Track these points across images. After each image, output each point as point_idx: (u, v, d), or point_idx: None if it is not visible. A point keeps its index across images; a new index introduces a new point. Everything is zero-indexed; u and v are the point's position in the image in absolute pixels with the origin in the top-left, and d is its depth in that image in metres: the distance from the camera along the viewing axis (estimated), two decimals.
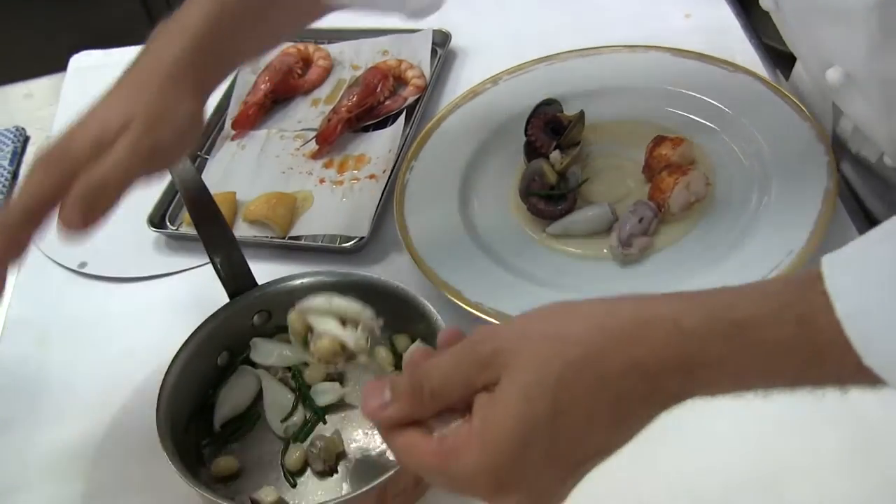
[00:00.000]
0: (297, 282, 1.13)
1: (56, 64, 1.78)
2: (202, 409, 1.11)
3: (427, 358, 0.76)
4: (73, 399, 1.19)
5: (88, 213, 0.96)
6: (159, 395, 1.04)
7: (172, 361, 1.07)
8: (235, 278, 1.13)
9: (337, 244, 1.28)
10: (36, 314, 1.31)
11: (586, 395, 0.71)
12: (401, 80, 1.51)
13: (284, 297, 1.11)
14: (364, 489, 0.93)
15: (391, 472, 0.93)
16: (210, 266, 1.16)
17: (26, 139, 1.62)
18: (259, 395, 1.12)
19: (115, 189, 0.97)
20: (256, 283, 1.14)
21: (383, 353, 1.11)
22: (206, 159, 1.45)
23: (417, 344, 0.97)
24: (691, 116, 1.32)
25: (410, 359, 0.78)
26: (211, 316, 1.11)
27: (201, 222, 1.13)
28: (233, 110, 1.51)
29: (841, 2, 0.96)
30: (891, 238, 0.70)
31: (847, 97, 1.11)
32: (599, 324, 0.73)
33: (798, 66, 1.38)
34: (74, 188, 0.94)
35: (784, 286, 0.72)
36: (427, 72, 1.51)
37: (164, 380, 1.05)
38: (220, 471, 1.06)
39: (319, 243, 1.28)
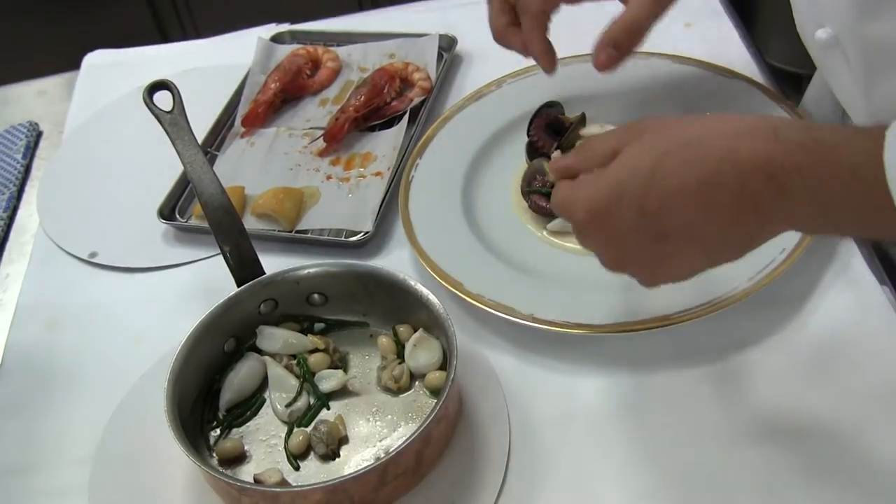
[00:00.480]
0: (304, 272, 1.16)
1: (67, 63, 1.81)
2: (208, 393, 1.14)
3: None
4: (81, 384, 1.22)
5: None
6: (167, 377, 1.06)
7: (181, 345, 1.09)
8: (244, 267, 1.16)
9: (343, 238, 1.30)
10: (47, 302, 1.33)
11: (683, 165, 0.83)
12: (407, 82, 1.54)
13: (291, 287, 1.15)
14: (364, 469, 0.95)
15: (392, 454, 0.96)
16: (217, 258, 1.19)
17: (39, 134, 1.65)
18: (264, 381, 1.14)
19: None
20: (264, 272, 1.16)
21: (385, 341, 1.14)
22: (216, 155, 1.48)
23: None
24: None
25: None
26: (219, 303, 1.14)
27: (212, 212, 1.16)
28: (243, 109, 1.54)
29: None
30: None
31: (832, 61, 1.14)
32: (717, 121, 0.85)
33: (809, 91, 1.41)
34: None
35: (864, 129, 0.78)
36: (433, 74, 1.54)
37: (173, 363, 1.08)
38: (225, 453, 1.08)
39: (325, 237, 1.30)
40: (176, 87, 1.24)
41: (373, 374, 1.13)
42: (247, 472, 1.07)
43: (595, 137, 0.92)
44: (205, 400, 1.14)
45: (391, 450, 0.97)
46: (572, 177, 0.92)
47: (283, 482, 1.04)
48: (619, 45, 1.19)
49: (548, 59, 1.27)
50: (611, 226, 0.88)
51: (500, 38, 1.28)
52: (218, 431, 1.11)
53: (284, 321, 1.18)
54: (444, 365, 1.10)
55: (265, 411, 1.12)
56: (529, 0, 1.23)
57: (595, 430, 1.06)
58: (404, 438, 0.97)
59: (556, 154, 1.27)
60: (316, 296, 1.17)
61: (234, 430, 1.11)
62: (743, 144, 0.81)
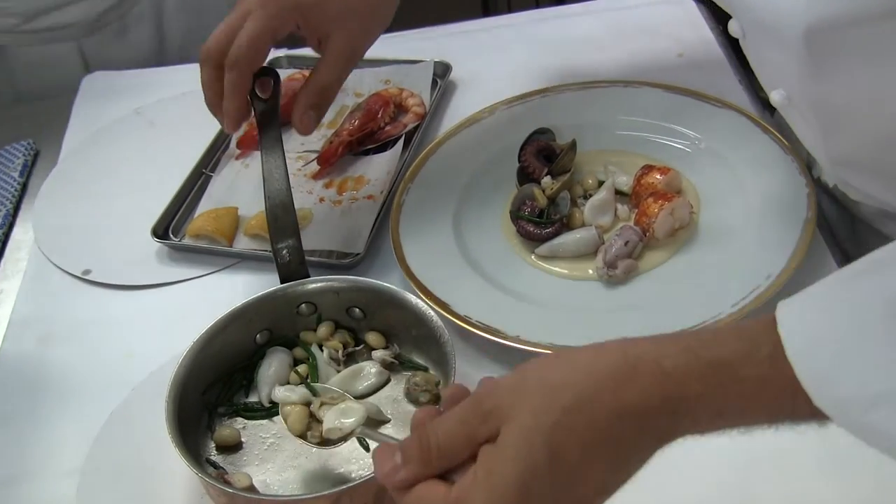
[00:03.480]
0: (342, 284, 1.18)
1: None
2: (230, 376, 1.16)
3: (433, 417, 0.80)
4: (72, 397, 1.23)
5: None
6: (188, 350, 1.10)
7: (213, 324, 1.13)
8: (290, 266, 1.19)
9: (334, 259, 1.32)
10: (39, 317, 1.35)
11: (581, 438, 0.75)
12: (401, 108, 1.55)
13: (332, 297, 1.18)
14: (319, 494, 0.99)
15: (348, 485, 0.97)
16: (208, 277, 1.22)
17: (37, 153, 1.67)
18: None
19: None
20: (308, 275, 1.19)
21: (372, 338, 1.18)
22: (211, 176, 1.49)
23: (424, 407, 0.95)
24: (680, 148, 1.36)
25: (417, 419, 0.82)
26: (258, 294, 1.16)
27: (272, 206, 1.21)
28: (238, 130, 1.55)
29: (778, 27, 1.00)
30: (844, 283, 0.74)
31: (791, 118, 1.16)
32: (589, 370, 0.77)
33: None
34: None
35: (756, 326, 0.75)
36: (427, 100, 1.56)
37: (199, 336, 1.12)
38: (222, 440, 1.10)
39: (317, 258, 1.31)
40: (278, 77, 1.28)
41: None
42: (238, 463, 1.09)
43: (433, 431, 0.79)
44: (223, 384, 1.16)
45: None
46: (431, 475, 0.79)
47: (251, 489, 1.05)
48: (316, 107, 1.25)
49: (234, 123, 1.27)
50: None
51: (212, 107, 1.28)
52: (223, 416, 1.14)
53: (323, 321, 1.20)
54: None
55: (278, 419, 1.11)
56: (237, 53, 1.20)
57: None
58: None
59: (546, 179, 1.29)
60: (356, 310, 1.19)
61: (240, 421, 1.13)
62: (629, 394, 0.75)
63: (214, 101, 1.24)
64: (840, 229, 1.29)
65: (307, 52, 1.74)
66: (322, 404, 1.05)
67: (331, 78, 1.24)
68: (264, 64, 1.25)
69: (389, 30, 1.34)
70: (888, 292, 0.69)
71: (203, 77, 1.23)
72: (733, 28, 1.14)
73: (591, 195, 1.29)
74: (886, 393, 0.67)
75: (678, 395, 0.74)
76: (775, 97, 1.11)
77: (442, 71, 1.63)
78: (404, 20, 1.44)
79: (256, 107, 1.26)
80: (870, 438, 0.69)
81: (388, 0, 1.25)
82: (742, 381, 0.73)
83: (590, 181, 1.32)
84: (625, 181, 1.32)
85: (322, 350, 1.17)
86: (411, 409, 1.11)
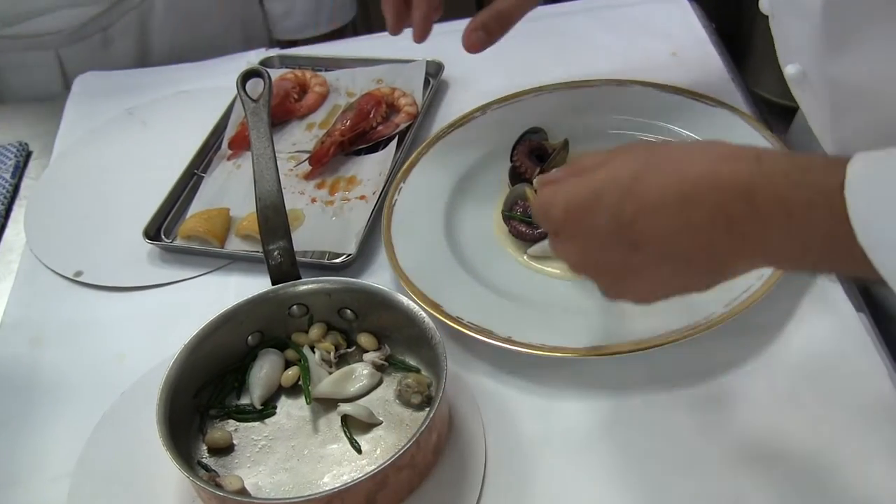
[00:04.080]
0: (337, 285, 1.18)
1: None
2: (222, 378, 1.16)
3: None
4: (63, 400, 1.22)
5: None
6: (180, 352, 1.10)
7: (205, 326, 1.13)
8: (281, 268, 1.19)
9: (326, 260, 1.31)
10: (31, 319, 1.34)
11: (663, 177, 0.83)
12: (393, 108, 1.55)
13: (323, 298, 1.18)
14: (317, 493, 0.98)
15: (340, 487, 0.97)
16: (200, 279, 1.22)
17: (28, 154, 1.66)
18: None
19: None
20: (300, 277, 1.19)
21: (364, 339, 1.18)
22: (203, 177, 1.49)
23: None
24: None
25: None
26: (250, 296, 1.16)
27: (262, 208, 1.21)
28: (230, 131, 1.55)
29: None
30: None
31: (803, 96, 1.16)
32: (703, 144, 0.90)
33: (795, 122, 1.42)
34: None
35: (837, 158, 0.78)
36: (419, 100, 1.56)
37: (191, 338, 1.12)
38: (214, 442, 1.10)
39: (308, 259, 1.31)
40: (269, 76, 1.27)
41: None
42: (230, 465, 1.09)
43: (587, 154, 0.93)
44: (214, 386, 1.15)
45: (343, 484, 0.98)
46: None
47: (243, 491, 1.05)
48: (489, 29, 1.24)
49: (422, 28, 1.32)
50: (585, 226, 0.88)
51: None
52: (215, 418, 1.13)
53: (315, 324, 1.20)
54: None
55: (270, 421, 1.13)
56: None
57: (572, 453, 1.07)
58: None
59: (534, 183, 1.28)
60: (348, 311, 1.18)
61: (232, 423, 1.13)
62: (724, 166, 0.81)
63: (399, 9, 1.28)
64: None
65: (299, 51, 1.76)
66: None
67: (512, 6, 1.23)
68: (256, 65, 1.25)
69: (380, 29, 1.34)
70: None
71: None
72: (763, 6, 1.15)
73: None
74: None
75: (761, 184, 0.79)
76: (790, 70, 1.12)
77: (434, 70, 1.63)
78: None
79: (247, 107, 1.25)
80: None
81: None
82: (816, 188, 0.77)
83: None
84: None
85: (314, 351, 1.17)
86: (403, 410, 1.11)
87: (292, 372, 1.15)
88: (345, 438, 1.09)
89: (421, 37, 1.30)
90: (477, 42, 1.23)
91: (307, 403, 1.12)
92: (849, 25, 0.98)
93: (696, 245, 0.83)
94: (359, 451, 1.07)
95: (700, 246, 0.83)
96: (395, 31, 1.30)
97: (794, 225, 0.78)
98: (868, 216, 0.74)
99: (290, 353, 1.17)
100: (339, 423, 1.11)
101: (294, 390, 1.15)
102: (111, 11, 1.89)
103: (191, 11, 1.97)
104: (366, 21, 2.36)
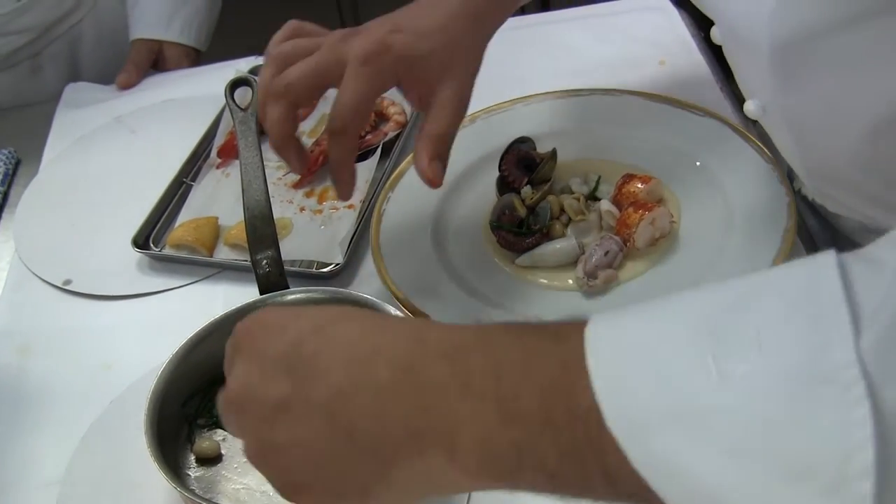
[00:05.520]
0: (324, 295, 1.17)
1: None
2: (210, 387, 1.15)
3: None
4: (51, 408, 1.22)
5: None
6: (168, 361, 1.10)
7: (193, 335, 1.13)
8: (269, 277, 1.19)
9: (314, 269, 1.32)
10: (19, 327, 1.34)
11: (359, 330, 0.73)
12: (382, 116, 1.55)
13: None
14: None
15: None
16: (189, 287, 1.21)
17: (18, 162, 1.66)
18: None
19: None
20: (288, 286, 1.18)
21: None
22: (192, 185, 1.49)
23: None
24: (661, 157, 1.36)
25: None
26: (238, 306, 1.16)
27: (251, 217, 1.20)
28: (219, 139, 1.55)
29: (750, 39, 1.00)
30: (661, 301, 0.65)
31: (768, 128, 1.16)
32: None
33: None
34: None
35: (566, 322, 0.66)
36: (408, 108, 1.56)
37: (179, 348, 1.11)
38: (202, 452, 1.10)
39: (297, 268, 1.31)
40: (257, 85, 1.25)
41: None
42: (218, 475, 1.09)
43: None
44: (203, 395, 1.15)
45: None
46: None
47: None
48: (441, 156, 1.12)
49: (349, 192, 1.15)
50: (259, 348, 0.76)
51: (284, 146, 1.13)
52: (203, 427, 1.13)
53: None
54: None
55: None
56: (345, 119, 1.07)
57: None
58: None
59: (526, 189, 1.29)
60: None
61: (220, 433, 1.13)
62: (438, 326, 0.72)
63: (286, 142, 1.11)
64: (822, 243, 1.29)
65: None
66: None
67: (449, 127, 1.12)
68: (245, 73, 1.25)
69: None
70: (700, 309, 0.61)
71: (275, 114, 1.09)
72: (715, 35, 1.15)
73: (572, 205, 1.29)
74: (682, 408, 0.58)
75: (468, 343, 0.68)
76: (750, 107, 1.12)
77: None
78: None
79: (235, 116, 1.26)
80: (649, 469, 0.58)
81: (481, 41, 1.18)
82: (538, 334, 0.66)
83: (568, 203, 1.30)
84: (606, 190, 1.31)
85: None
86: None
87: None
88: None
89: (348, 194, 1.15)
90: (439, 174, 1.11)
91: None
92: (798, 65, 0.98)
93: (366, 408, 0.68)
94: None
95: (371, 411, 0.68)
96: (299, 171, 1.21)
97: (501, 386, 0.65)
98: (614, 371, 0.61)
99: None
100: None
101: None
102: (40, 39, 1.91)
103: (119, 37, 1.98)
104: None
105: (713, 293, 0.62)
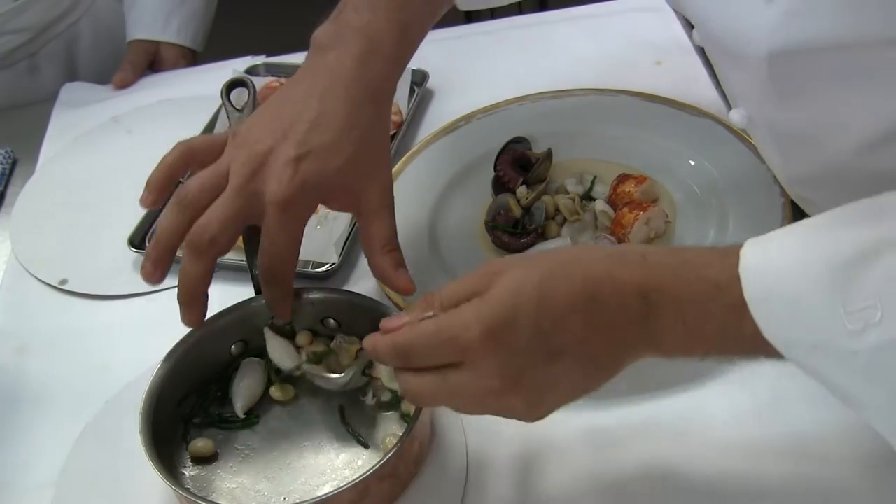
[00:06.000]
0: (320, 295, 1.17)
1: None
2: (205, 387, 1.16)
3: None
4: (47, 408, 1.22)
5: None
6: (163, 361, 1.10)
7: (188, 334, 1.13)
8: None
9: (310, 269, 1.32)
10: (16, 327, 1.34)
11: (568, 282, 0.84)
12: None
13: (307, 306, 1.17)
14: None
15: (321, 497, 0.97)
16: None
17: (14, 161, 1.67)
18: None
19: None
20: None
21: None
22: None
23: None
24: (656, 157, 1.36)
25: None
26: (232, 305, 1.16)
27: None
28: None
29: (739, 50, 0.99)
30: (807, 234, 0.82)
31: (753, 136, 1.17)
32: (584, 248, 0.91)
33: None
34: None
35: (726, 248, 0.84)
36: (404, 108, 1.56)
37: (174, 347, 1.12)
38: (197, 451, 1.10)
39: None
40: (253, 86, 1.25)
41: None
42: (213, 475, 1.09)
43: (438, 292, 0.90)
44: (198, 395, 1.15)
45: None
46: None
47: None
48: (402, 262, 1.10)
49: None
50: (507, 346, 0.84)
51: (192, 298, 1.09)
52: (198, 427, 1.13)
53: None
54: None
55: (253, 431, 1.13)
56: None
57: (554, 461, 1.07)
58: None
59: (521, 189, 1.29)
60: (331, 321, 1.18)
61: (215, 432, 1.13)
62: (617, 266, 0.85)
63: (196, 299, 1.08)
64: None
65: (285, 59, 1.76)
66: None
67: (391, 229, 1.11)
68: (241, 74, 1.24)
69: None
70: (837, 253, 0.77)
71: (197, 269, 1.06)
72: (696, 38, 1.14)
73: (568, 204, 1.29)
74: (820, 344, 0.77)
75: (653, 280, 0.83)
76: (735, 116, 1.11)
77: (419, 79, 1.63)
78: None
79: (231, 117, 1.26)
80: (809, 373, 0.80)
81: (385, 122, 1.13)
82: (707, 282, 0.82)
83: (563, 203, 1.30)
84: (601, 190, 1.32)
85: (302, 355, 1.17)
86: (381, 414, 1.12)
87: (281, 388, 1.16)
88: (328, 449, 1.09)
89: (283, 315, 1.13)
90: (410, 280, 1.09)
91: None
92: (791, 78, 0.97)
93: (604, 343, 0.85)
94: (365, 445, 1.09)
95: (608, 343, 0.85)
96: (151, 279, 1.10)
97: (688, 319, 0.83)
98: (767, 308, 0.79)
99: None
100: (323, 433, 1.11)
101: (280, 402, 1.15)
102: (37, 39, 1.91)
103: (115, 37, 1.98)
104: None
105: (854, 232, 0.79)
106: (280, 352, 1.14)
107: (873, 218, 0.80)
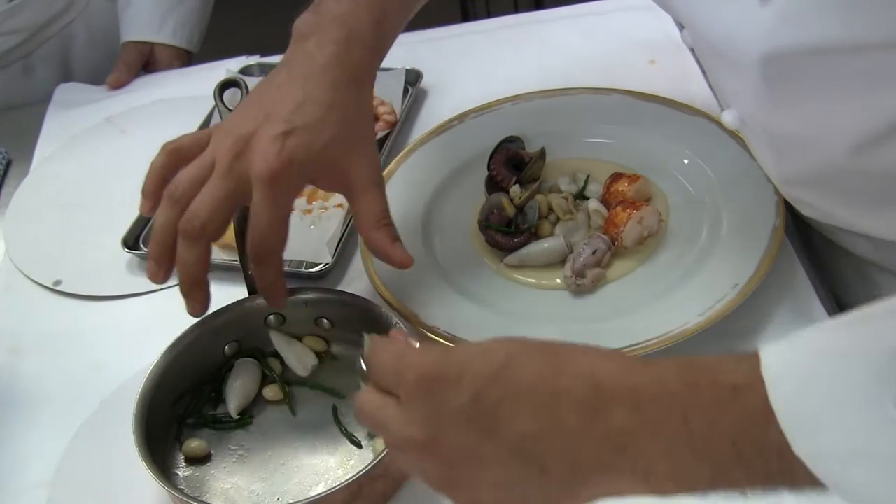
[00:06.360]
0: (311, 295, 1.18)
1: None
2: (199, 387, 1.16)
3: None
4: (41, 409, 1.22)
5: None
6: (157, 361, 1.11)
7: (182, 334, 1.13)
8: None
9: (303, 269, 1.32)
10: (10, 328, 1.34)
11: (538, 369, 0.74)
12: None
13: (300, 306, 1.18)
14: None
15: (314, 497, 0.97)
16: (177, 288, 1.20)
17: (9, 161, 1.67)
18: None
19: None
20: None
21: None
22: None
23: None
24: (649, 155, 1.36)
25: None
26: (225, 305, 1.16)
27: (240, 219, 1.17)
28: None
29: (732, 52, 0.99)
30: (832, 333, 0.69)
31: (745, 136, 1.17)
32: (584, 345, 0.77)
33: None
34: None
35: (736, 355, 0.71)
36: (398, 108, 1.56)
37: (168, 348, 1.12)
38: (191, 452, 1.10)
39: (286, 268, 1.30)
40: (246, 86, 1.25)
41: None
42: (207, 475, 1.09)
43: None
44: (192, 395, 1.16)
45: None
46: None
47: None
48: (397, 236, 1.12)
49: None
50: (438, 401, 0.76)
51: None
52: (192, 427, 1.14)
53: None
54: None
55: (247, 431, 1.14)
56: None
57: None
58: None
59: (515, 188, 1.29)
60: (325, 321, 1.19)
61: (209, 432, 1.13)
62: (606, 365, 0.74)
63: (199, 285, 1.09)
64: (801, 239, 1.30)
65: (278, 59, 1.75)
66: None
67: (383, 204, 1.11)
68: (234, 75, 1.24)
69: None
70: (877, 347, 0.65)
71: (192, 256, 1.06)
72: (686, 38, 1.14)
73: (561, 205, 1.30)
74: (864, 452, 0.63)
75: (650, 387, 0.71)
76: (727, 117, 1.12)
77: (413, 78, 1.63)
78: None
79: (224, 117, 1.26)
80: (846, 494, 0.64)
81: (366, 102, 1.14)
82: (716, 386, 0.69)
83: (556, 202, 1.30)
84: (594, 189, 1.32)
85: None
86: None
87: (274, 389, 1.16)
88: (321, 449, 1.10)
89: (282, 303, 1.14)
90: (408, 254, 1.11)
91: (293, 415, 1.14)
92: (785, 80, 0.96)
93: (559, 449, 0.72)
94: (358, 445, 1.09)
95: (564, 451, 0.72)
96: (199, 314, 1.11)
97: (694, 432, 0.69)
98: (797, 411, 0.65)
99: (272, 361, 1.19)
100: (316, 433, 1.11)
101: (273, 401, 1.16)
102: (31, 40, 1.91)
103: (110, 38, 1.99)
104: None
105: (885, 327, 0.66)
106: (297, 354, 1.16)
107: None
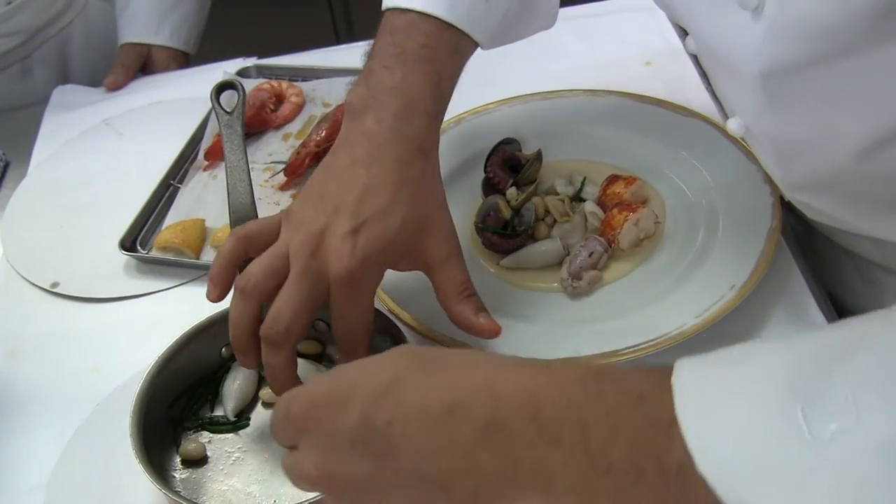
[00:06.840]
0: None
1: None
2: (196, 389, 1.16)
3: None
4: (38, 412, 1.22)
5: None
6: (154, 364, 1.10)
7: (179, 337, 1.13)
8: None
9: None
10: (7, 330, 1.34)
11: (432, 383, 0.72)
12: None
13: None
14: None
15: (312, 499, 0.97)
16: (177, 290, 1.21)
17: (7, 163, 1.67)
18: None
19: None
20: None
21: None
22: (179, 188, 1.49)
23: None
24: (646, 157, 1.36)
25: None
26: (225, 308, 1.14)
27: (236, 220, 1.20)
28: (206, 141, 1.55)
29: (732, 64, 0.99)
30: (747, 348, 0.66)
31: (750, 142, 1.17)
32: (486, 354, 0.77)
33: None
34: None
35: (650, 368, 0.69)
36: None
37: (165, 350, 1.11)
38: (187, 454, 1.10)
39: None
40: (243, 89, 1.25)
41: None
42: (204, 477, 1.09)
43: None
44: (188, 398, 1.16)
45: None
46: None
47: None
48: (480, 306, 1.07)
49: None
50: (328, 428, 0.74)
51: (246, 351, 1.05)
52: (189, 429, 1.13)
53: None
54: None
55: (244, 433, 1.13)
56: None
57: None
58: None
59: (511, 190, 1.29)
60: (321, 322, 1.19)
61: (206, 435, 1.13)
62: (504, 375, 0.71)
63: (247, 340, 1.04)
64: (803, 242, 1.30)
65: (276, 61, 1.76)
66: None
67: (464, 274, 1.08)
68: (231, 77, 1.24)
69: (360, 38, 1.34)
70: (791, 357, 0.63)
71: (279, 362, 1.01)
72: (689, 46, 1.14)
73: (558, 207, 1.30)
74: (771, 465, 0.59)
75: (550, 395, 0.68)
76: (732, 126, 1.11)
77: None
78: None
79: (221, 119, 1.26)
80: None
81: (434, 168, 1.10)
82: (621, 392, 0.67)
83: (552, 204, 1.30)
84: (591, 191, 1.32)
85: None
86: None
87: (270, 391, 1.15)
88: None
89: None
90: (494, 322, 1.06)
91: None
92: (785, 92, 0.96)
93: (458, 468, 0.69)
94: None
95: (463, 469, 0.69)
96: (249, 366, 1.07)
97: (592, 440, 0.66)
98: (703, 421, 0.62)
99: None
100: None
101: (269, 403, 1.15)
102: (29, 42, 1.92)
103: (108, 40, 2.00)
104: (349, 30, 2.36)
105: (803, 343, 0.64)
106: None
107: (829, 329, 0.66)
